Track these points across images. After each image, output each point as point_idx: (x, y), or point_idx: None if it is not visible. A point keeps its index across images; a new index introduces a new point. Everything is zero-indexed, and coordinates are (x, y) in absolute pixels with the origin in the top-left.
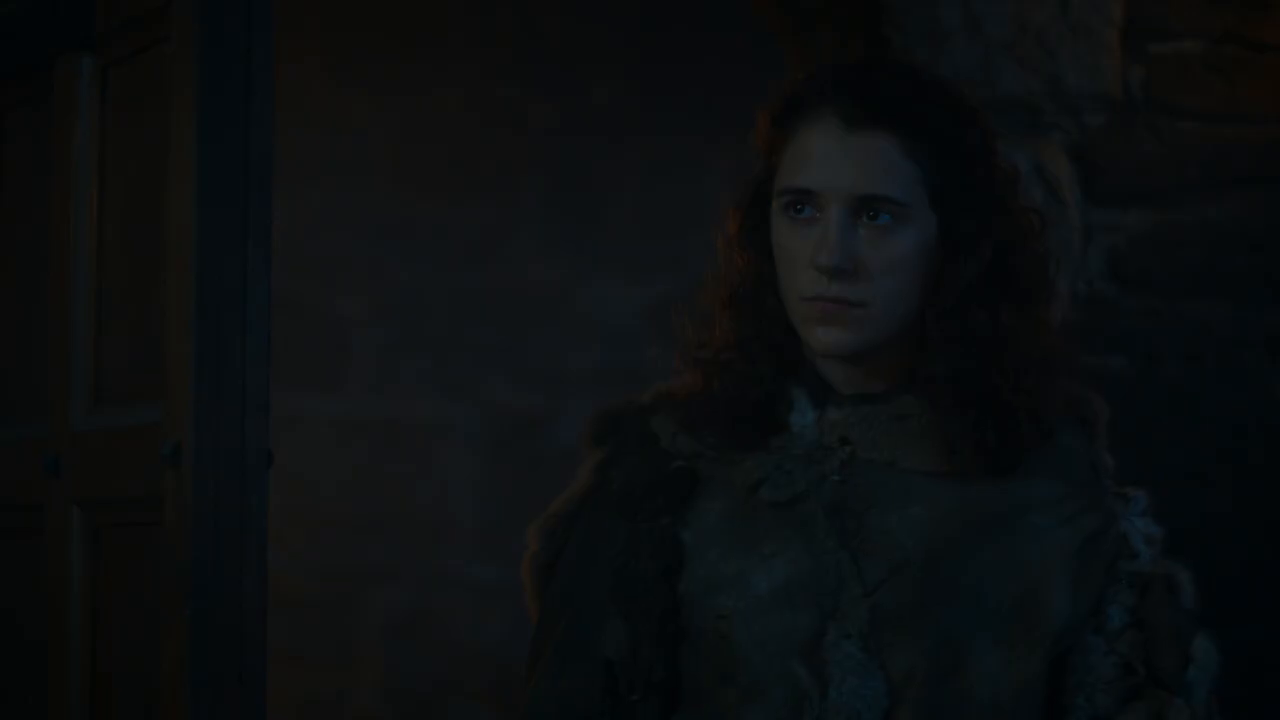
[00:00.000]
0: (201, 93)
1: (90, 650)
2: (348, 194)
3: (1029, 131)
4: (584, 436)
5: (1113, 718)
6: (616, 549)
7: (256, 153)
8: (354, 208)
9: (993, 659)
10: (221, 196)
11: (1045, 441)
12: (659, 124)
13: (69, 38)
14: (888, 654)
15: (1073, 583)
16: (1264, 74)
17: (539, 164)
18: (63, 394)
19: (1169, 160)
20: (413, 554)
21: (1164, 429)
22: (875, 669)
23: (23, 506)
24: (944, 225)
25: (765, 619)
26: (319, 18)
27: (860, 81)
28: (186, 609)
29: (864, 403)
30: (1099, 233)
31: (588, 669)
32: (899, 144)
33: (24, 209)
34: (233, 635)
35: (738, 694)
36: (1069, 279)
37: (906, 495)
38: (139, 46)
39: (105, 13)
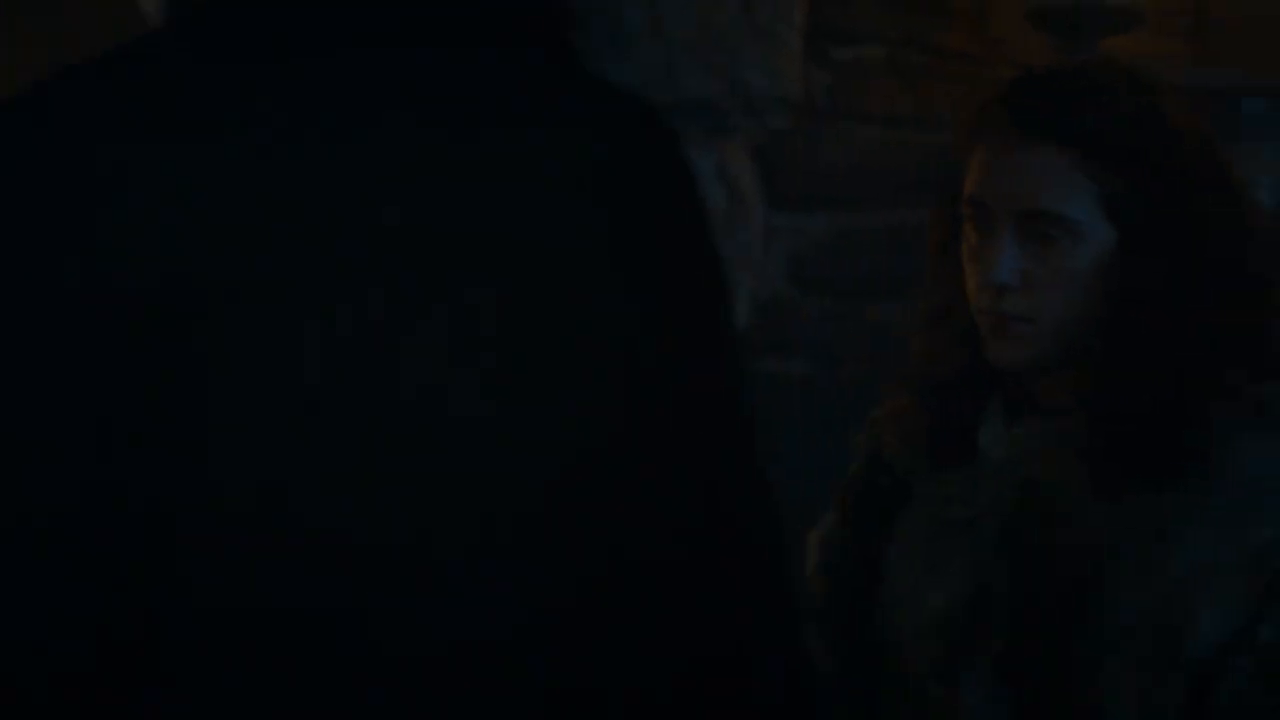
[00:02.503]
0: None
1: None
2: None
3: (713, 134)
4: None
5: None
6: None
7: None
8: None
9: (1131, 686)
10: None
11: (1222, 451)
12: None
13: None
14: (1022, 677)
15: (1224, 601)
16: (945, 80)
17: None
18: None
19: (851, 164)
20: None
21: (848, 430)
22: (1003, 692)
23: None
24: (1123, 238)
25: (929, 640)
26: None
27: (1038, 88)
28: None
29: (1044, 420)
30: (781, 236)
31: None
32: (1070, 157)
33: None
34: None
35: (902, 711)
36: (750, 283)
37: (1069, 514)
38: None
39: None
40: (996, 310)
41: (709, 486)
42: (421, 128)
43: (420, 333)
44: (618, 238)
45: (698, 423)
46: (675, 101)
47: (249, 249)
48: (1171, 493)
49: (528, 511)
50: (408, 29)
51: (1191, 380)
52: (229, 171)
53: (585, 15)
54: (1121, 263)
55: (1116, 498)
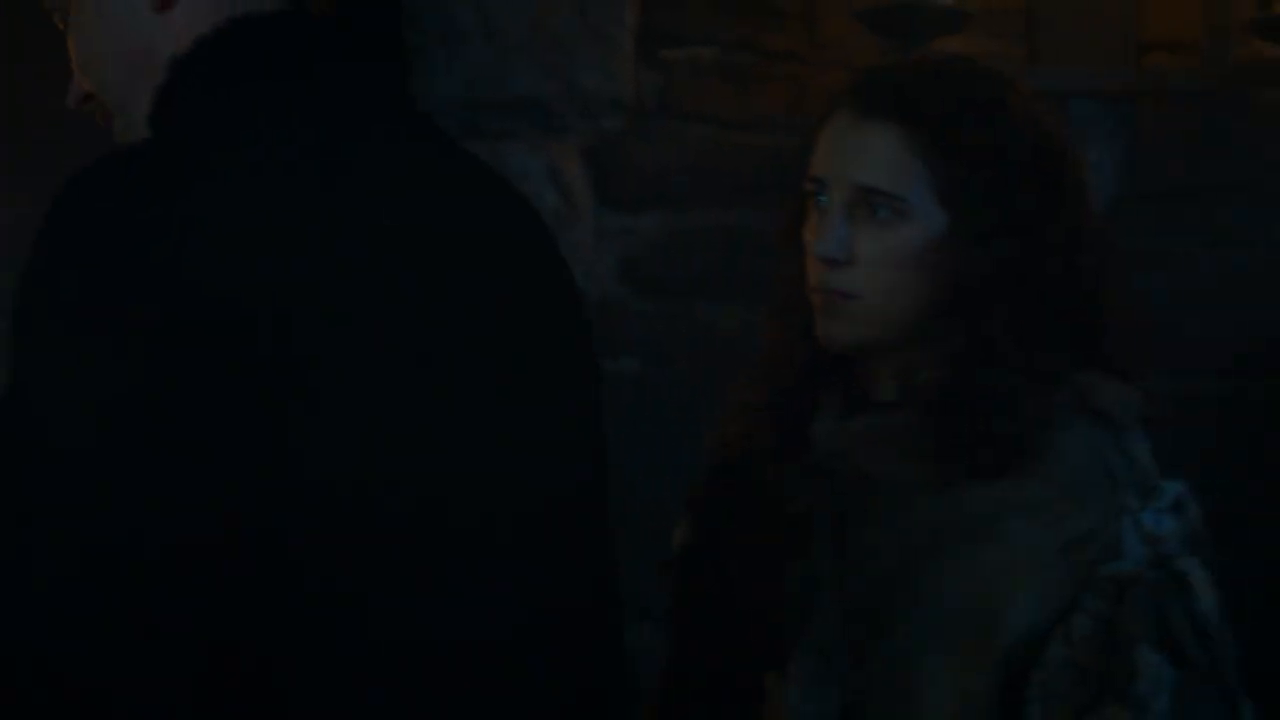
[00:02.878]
0: None
1: None
2: None
3: (545, 134)
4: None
5: None
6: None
7: None
8: None
9: (943, 674)
10: None
11: (1046, 442)
12: None
13: None
14: (846, 672)
15: (1040, 591)
16: (775, 82)
17: None
18: None
19: (682, 165)
20: None
21: (679, 428)
22: (833, 684)
23: None
24: (953, 224)
25: (761, 627)
26: None
27: (885, 72)
28: None
29: (874, 411)
30: (612, 236)
31: None
32: (904, 137)
33: None
34: None
35: (744, 702)
36: (581, 282)
37: (897, 507)
38: None
39: None
40: (825, 286)
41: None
42: (411, 142)
43: (420, 333)
44: None
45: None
46: (507, 102)
47: (250, 253)
48: (997, 484)
49: (528, 511)
50: (389, 44)
51: (1018, 373)
52: (227, 187)
53: (417, 14)
54: (951, 249)
55: (945, 489)
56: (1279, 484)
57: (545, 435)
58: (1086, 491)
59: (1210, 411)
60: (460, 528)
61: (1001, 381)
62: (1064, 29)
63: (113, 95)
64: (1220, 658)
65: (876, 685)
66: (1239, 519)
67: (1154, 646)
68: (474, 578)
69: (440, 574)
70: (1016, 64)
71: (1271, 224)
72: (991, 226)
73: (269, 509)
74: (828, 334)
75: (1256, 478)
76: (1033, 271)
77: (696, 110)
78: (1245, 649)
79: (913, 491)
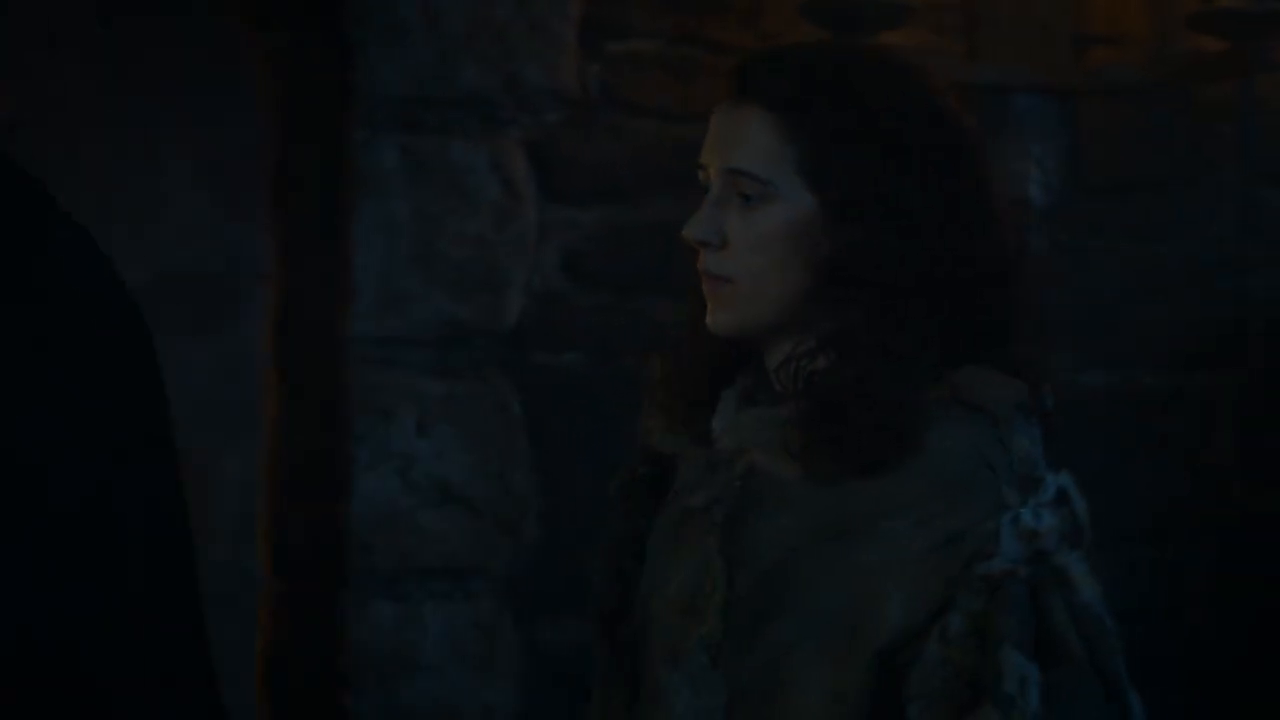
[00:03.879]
0: None
1: None
2: None
3: (488, 128)
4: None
5: None
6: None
7: None
8: None
9: (817, 673)
10: None
11: (919, 438)
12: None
13: None
14: (730, 666)
15: (913, 590)
16: (719, 75)
17: None
18: None
19: (626, 159)
20: None
21: (623, 423)
22: (719, 682)
23: None
24: (822, 208)
25: (666, 624)
26: None
27: (757, 58)
28: None
29: (768, 405)
30: (556, 230)
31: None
32: (771, 120)
33: None
34: None
35: (646, 694)
36: (525, 276)
37: (783, 502)
38: None
39: None
40: (705, 271)
41: None
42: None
43: None
44: None
45: None
46: (451, 96)
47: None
48: (872, 481)
49: None
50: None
51: (879, 361)
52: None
53: (362, 8)
54: (821, 231)
55: (825, 485)
56: (1217, 479)
57: None
58: (962, 488)
59: (1150, 407)
60: None
61: (858, 371)
62: (1006, 24)
63: None
64: (1103, 651)
65: (753, 684)
66: (1179, 515)
67: (1017, 645)
68: None
69: None
70: (958, 59)
71: (1212, 219)
72: (855, 207)
73: None
74: (712, 320)
75: (1195, 473)
76: (902, 257)
77: (640, 103)
78: (1184, 644)
79: (796, 487)
